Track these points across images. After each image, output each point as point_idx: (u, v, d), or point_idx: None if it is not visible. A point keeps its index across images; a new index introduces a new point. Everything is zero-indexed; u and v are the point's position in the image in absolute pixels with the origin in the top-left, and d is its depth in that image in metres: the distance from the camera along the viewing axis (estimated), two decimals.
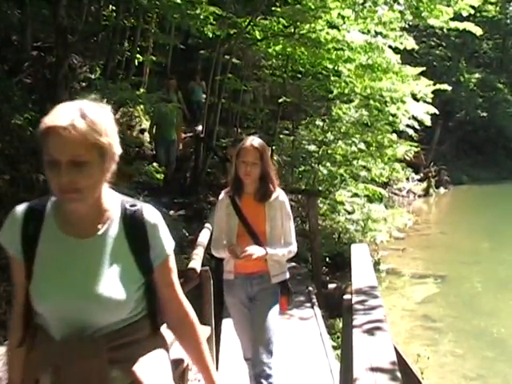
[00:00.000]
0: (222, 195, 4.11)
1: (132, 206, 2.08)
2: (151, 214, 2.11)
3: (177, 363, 4.35)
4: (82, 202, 1.94)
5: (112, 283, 1.96)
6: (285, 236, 4.01)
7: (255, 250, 3.79)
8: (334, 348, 6.07)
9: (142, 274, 2.04)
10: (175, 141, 12.42)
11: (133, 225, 2.04)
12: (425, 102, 13.41)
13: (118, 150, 1.99)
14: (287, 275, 4.14)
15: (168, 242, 2.11)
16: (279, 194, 3.98)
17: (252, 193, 3.96)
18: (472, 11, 12.31)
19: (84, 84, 12.73)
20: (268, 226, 3.94)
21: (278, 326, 4.07)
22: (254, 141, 3.91)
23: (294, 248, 4.03)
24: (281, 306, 4.10)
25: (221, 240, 4.06)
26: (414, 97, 13.29)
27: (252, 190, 3.96)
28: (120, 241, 2.02)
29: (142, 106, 13.27)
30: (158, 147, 12.12)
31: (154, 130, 12.07)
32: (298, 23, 12.51)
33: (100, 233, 2.00)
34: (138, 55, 13.89)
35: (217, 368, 5.43)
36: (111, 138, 1.97)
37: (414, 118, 13.31)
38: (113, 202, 2.06)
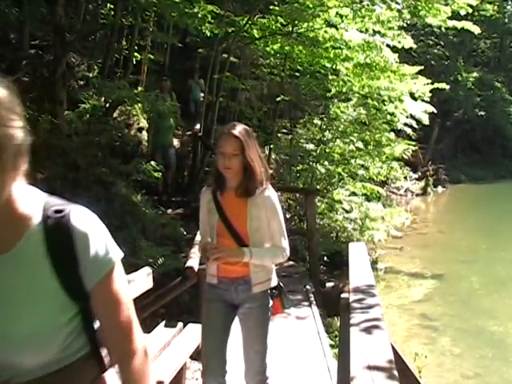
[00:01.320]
0: (203, 189, 3.67)
1: (57, 211, 1.58)
2: (81, 219, 1.59)
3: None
4: None
5: (29, 315, 1.53)
6: (273, 237, 3.50)
7: (228, 252, 3.38)
8: (332, 347, 6.08)
9: (73, 301, 1.58)
10: (172, 145, 12.45)
11: (56, 236, 1.56)
12: (423, 100, 13.44)
13: (24, 140, 1.50)
14: (274, 282, 3.67)
15: (107, 255, 1.61)
16: (265, 189, 3.45)
17: (234, 187, 3.47)
18: (470, 10, 12.35)
19: (82, 82, 12.72)
20: (249, 225, 3.44)
21: (268, 344, 3.70)
22: (235, 128, 3.40)
23: (284, 252, 3.53)
24: (274, 310, 3.70)
25: (204, 238, 3.66)
26: (412, 96, 13.31)
27: (234, 185, 3.47)
28: (39, 258, 1.55)
29: (139, 105, 13.23)
30: (154, 152, 12.07)
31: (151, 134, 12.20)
32: (296, 22, 12.51)
33: (13, 250, 1.53)
34: (135, 54, 13.85)
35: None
36: (9, 126, 1.48)
37: (412, 117, 13.33)
38: (33, 207, 1.58)
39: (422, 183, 28.82)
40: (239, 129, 3.41)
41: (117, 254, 1.64)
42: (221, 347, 3.60)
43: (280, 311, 3.77)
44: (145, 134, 13.33)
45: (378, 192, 13.75)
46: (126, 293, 1.68)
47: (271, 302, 3.64)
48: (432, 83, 13.56)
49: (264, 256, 3.49)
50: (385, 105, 13.37)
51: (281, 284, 3.73)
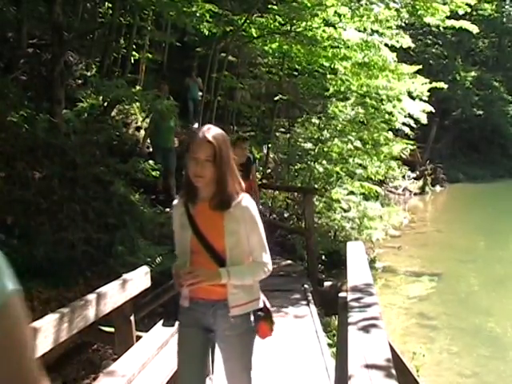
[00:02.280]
0: (175, 201, 3.26)
1: None
2: None
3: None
4: None
5: None
6: (253, 252, 3.13)
7: (203, 277, 2.94)
8: (330, 346, 6.08)
9: None
10: (173, 149, 12.13)
11: None
12: (421, 100, 13.44)
13: None
14: (259, 303, 3.24)
15: None
16: (242, 199, 3.04)
17: (207, 198, 3.05)
18: (468, 9, 12.35)
19: (80, 81, 12.72)
20: (227, 241, 3.03)
21: (251, 374, 3.25)
22: (209, 131, 3.00)
23: (265, 267, 3.14)
24: (262, 333, 3.25)
25: (182, 256, 3.18)
26: (410, 95, 13.32)
27: (207, 195, 3.05)
28: None
29: (137, 104, 13.23)
30: (155, 155, 11.79)
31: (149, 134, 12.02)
32: (295, 21, 12.52)
33: None
34: (133, 53, 13.85)
35: (212, 366, 5.43)
36: None
37: (410, 116, 13.33)
38: None
39: (420, 182, 28.88)
40: (214, 133, 3.01)
41: (8, 286, 1.12)
42: (198, 378, 3.28)
43: (269, 334, 3.31)
44: (143, 133, 13.31)
45: (376, 191, 13.76)
46: (22, 337, 1.18)
47: (256, 325, 3.21)
48: (430, 82, 13.56)
49: (244, 275, 3.08)
50: (383, 104, 13.38)
51: (267, 305, 3.30)
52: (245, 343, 3.18)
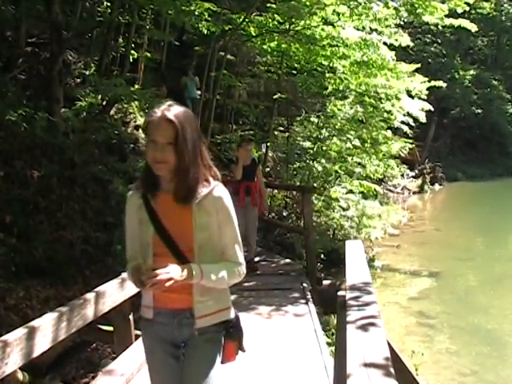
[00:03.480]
0: (129, 194, 2.75)
1: None
2: None
3: None
4: None
5: None
6: (226, 250, 2.66)
7: (172, 274, 2.40)
8: (329, 344, 6.08)
9: None
10: None
11: None
12: (420, 98, 13.44)
13: None
14: (230, 313, 2.76)
15: None
16: (214, 188, 2.59)
17: (171, 189, 2.57)
18: (467, 8, 12.35)
19: (78, 80, 12.72)
20: (197, 239, 2.56)
21: None
22: (169, 109, 2.51)
23: (239, 268, 2.68)
24: (226, 355, 2.73)
25: (135, 260, 2.68)
26: (409, 93, 13.31)
27: (171, 186, 2.57)
28: None
29: (136, 103, 13.22)
30: None
31: None
32: (293, 20, 12.52)
33: None
34: (132, 51, 13.85)
35: None
36: None
37: (409, 115, 13.33)
38: None
39: (419, 181, 28.91)
40: (176, 111, 2.53)
41: None
42: None
43: (233, 358, 2.78)
44: (141, 132, 13.30)
45: (374, 190, 13.76)
46: None
47: (224, 341, 2.73)
48: (429, 81, 13.56)
49: (218, 275, 2.56)
50: (382, 103, 13.38)
51: (240, 323, 2.82)
52: (210, 353, 2.66)
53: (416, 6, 11.79)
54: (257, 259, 9.05)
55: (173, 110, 2.52)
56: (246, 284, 8.08)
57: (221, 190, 2.61)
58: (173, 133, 2.47)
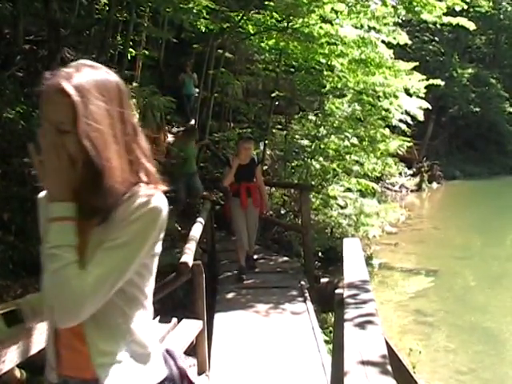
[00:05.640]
0: (41, 193, 1.85)
1: None
2: None
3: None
4: None
5: None
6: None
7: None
8: (327, 342, 6.09)
9: None
10: (196, 172, 11.73)
11: None
12: (418, 96, 13.42)
13: None
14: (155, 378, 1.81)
15: None
16: (136, 194, 1.66)
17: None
18: (465, 6, 12.33)
19: None
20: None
21: None
22: (69, 77, 1.64)
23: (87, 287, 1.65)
24: None
25: None
26: (407, 92, 13.30)
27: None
28: None
29: (134, 100, 13.21)
30: (176, 183, 11.12)
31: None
32: (291, 17, 12.50)
33: None
34: (130, 49, 13.82)
35: (209, 363, 5.44)
36: None
37: (407, 113, 13.32)
38: None
39: (417, 179, 28.91)
40: (78, 79, 1.64)
41: None
42: None
43: None
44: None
45: (372, 188, 13.77)
46: None
47: None
48: (427, 79, 13.54)
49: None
50: (380, 101, 13.36)
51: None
52: None
53: (414, 4, 11.78)
54: (255, 257, 9.05)
55: (74, 78, 1.64)
56: (244, 282, 8.10)
57: (154, 201, 1.67)
58: (69, 112, 1.59)
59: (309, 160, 13.20)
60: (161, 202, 1.69)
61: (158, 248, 1.77)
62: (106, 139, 1.62)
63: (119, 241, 1.62)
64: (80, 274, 1.58)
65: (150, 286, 1.83)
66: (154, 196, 1.67)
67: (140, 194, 1.66)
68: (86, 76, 1.65)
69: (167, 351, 1.94)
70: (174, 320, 5.04)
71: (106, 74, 1.71)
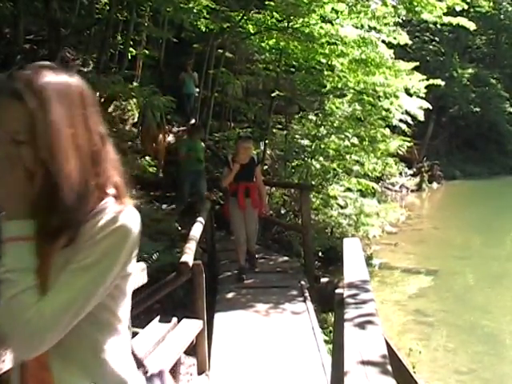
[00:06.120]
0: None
1: None
2: None
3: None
4: None
5: None
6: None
7: None
8: (326, 342, 6.09)
9: None
10: (203, 171, 11.44)
11: None
12: (418, 96, 13.42)
13: None
14: None
15: None
16: (102, 212, 1.50)
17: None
18: (466, 6, 12.34)
19: None
20: None
21: None
22: (35, 77, 1.45)
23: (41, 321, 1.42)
24: None
25: None
26: (408, 92, 13.30)
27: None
28: None
29: (134, 100, 13.23)
30: (181, 180, 11.17)
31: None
32: (292, 17, 12.50)
33: None
34: (130, 49, 13.85)
35: (209, 362, 5.45)
36: None
37: (407, 113, 13.32)
38: None
39: (417, 179, 28.91)
40: (36, 83, 1.44)
41: None
42: None
43: None
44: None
45: (372, 188, 13.77)
46: None
47: None
48: (427, 79, 13.54)
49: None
50: (380, 101, 13.36)
51: None
52: None
53: (414, 3, 11.78)
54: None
55: (35, 81, 1.45)
56: (244, 282, 8.10)
57: (123, 218, 1.51)
58: (23, 120, 1.41)
59: (309, 160, 13.20)
60: (131, 218, 1.54)
61: (131, 268, 1.60)
62: (68, 150, 1.44)
63: (85, 262, 1.45)
64: (39, 301, 1.40)
65: (124, 309, 1.63)
66: (123, 212, 1.52)
67: (107, 211, 1.50)
68: (45, 80, 1.46)
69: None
70: (174, 319, 5.04)
71: (68, 78, 1.53)
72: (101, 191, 1.53)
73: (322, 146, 13.37)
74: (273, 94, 14.10)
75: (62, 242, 1.46)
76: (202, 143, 11.73)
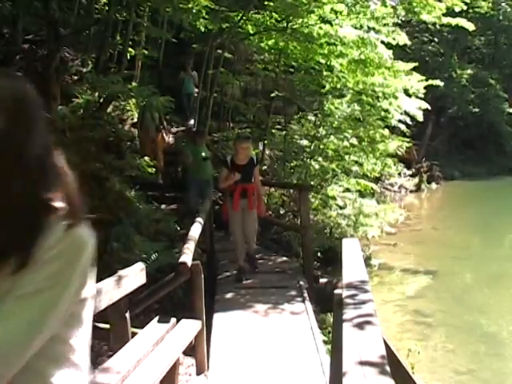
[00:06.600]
0: None
1: None
2: None
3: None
4: None
5: None
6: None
7: None
8: (325, 342, 6.08)
9: None
10: (211, 181, 11.02)
11: None
12: (417, 97, 13.44)
13: None
14: None
15: None
16: (49, 230, 1.33)
17: None
18: (464, 7, 12.37)
19: (76, 77, 12.72)
20: None
21: None
22: None
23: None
24: None
25: None
26: (407, 92, 13.31)
27: None
28: None
29: (133, 100, 13.22)
30: (188, 188, 11.06)
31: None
32: (291, 18, 12.52)
33: None
34: (130, 49, 13.84)
35: (208, 362, 5.44)
36: None
37: (406, 114, 13.32)
38: None
39: (416, 180, 28.91)
40: None
41: None
42: None
43: None
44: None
45: (371, 188, 13.77)
46: None
47: None
48: (426, 80, 13.55)
49: None
50: (379, 101, 13.37)
51: None
52: None
53: (414, 4, 11.81)
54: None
55: None
56: (243, 282, 8.10)
57: (74, 240, 1.39)
58: None
59: (308, 160, 13.20)
60: (83, 237, 1.39)
61: (89, 291, 1.44)
62: (7, 164, 1.28)
63: (32, 287, 1.26)
64: None
65: (81, 338, 1.46)
66: (74, 230, 1.36)
67: (55, 229, 1.32)
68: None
69: None
70: (173, 320, 5.03)
71: (11, 84, 1.40)
72: (48, 207, 1.35)
73: (321, 146, 13.38)
74: (272, 95, 14.11)
75: (11, 268, 1.27)
76: (208, 149, 11.57)
